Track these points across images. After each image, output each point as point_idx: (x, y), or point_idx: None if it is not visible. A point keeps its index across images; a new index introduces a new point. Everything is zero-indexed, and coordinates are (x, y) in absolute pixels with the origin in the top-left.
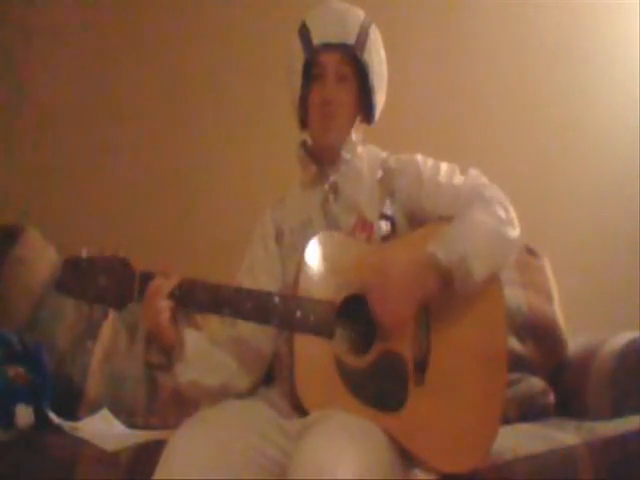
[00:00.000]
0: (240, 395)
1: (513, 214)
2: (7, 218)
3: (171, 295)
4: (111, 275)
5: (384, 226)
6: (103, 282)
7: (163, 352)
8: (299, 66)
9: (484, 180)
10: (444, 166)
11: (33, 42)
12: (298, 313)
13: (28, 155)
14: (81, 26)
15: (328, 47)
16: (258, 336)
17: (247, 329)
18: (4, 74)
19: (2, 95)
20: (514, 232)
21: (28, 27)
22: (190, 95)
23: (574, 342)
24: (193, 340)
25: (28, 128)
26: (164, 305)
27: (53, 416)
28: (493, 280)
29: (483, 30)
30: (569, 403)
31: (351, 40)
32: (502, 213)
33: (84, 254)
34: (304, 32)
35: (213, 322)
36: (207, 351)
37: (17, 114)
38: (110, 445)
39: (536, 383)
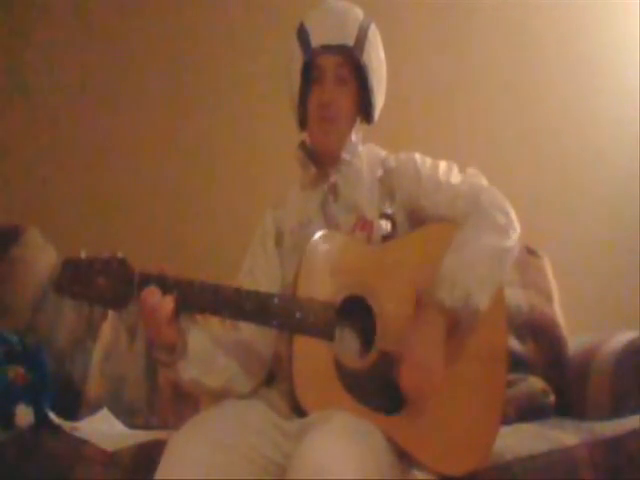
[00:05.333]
0: (240, 395)
1: (512, 215)
2: (7, 218)
3: (170, 295)
4: (110, 276)
5: (384, 225)
6: (102, 283)
7: (166, 349)
8: (298, 68)
9: (482, 180)
10: (442, 165)
11: (34, 43)
12: (298, 314)
13: (28, 155)
14: (83, 28)
15: (327, 49)
16: (260, 340)
17: (249, 333)
18: (5, 74)
19: (3, 96)
20: (514, 236)
21: (29, 29)
22: (190, 96)
23: (574, 342)
24: (197, 339)
25: (28, 128)
26: (161, 303)
27: (53, 416)
28: None
29: (482, 30)
30: (569, 403)
31: (350, 41)
32: (500, 218)
33: (83, 255)
34: (303, 33)
35: (214, 324)
36: (210, 352)
37: (17, 114)
38: (110, 445)
39: (536, 383)
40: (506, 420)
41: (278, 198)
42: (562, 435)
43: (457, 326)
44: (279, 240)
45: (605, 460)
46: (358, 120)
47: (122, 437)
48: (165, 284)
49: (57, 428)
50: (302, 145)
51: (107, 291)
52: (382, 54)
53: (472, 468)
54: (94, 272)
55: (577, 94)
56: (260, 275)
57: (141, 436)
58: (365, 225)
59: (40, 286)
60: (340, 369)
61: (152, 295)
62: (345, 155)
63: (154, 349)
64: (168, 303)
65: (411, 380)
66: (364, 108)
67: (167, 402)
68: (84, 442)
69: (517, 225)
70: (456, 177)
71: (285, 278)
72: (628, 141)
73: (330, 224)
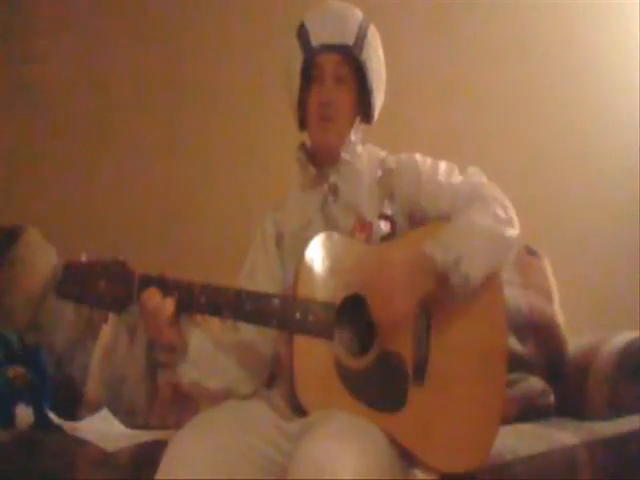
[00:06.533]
0: (241, 397)
1: (512, 213)
2: (7, 218)
3: (171, 297)
4: (110, 279)
5: (383, 226)
6: (103, 286)
7: (167, 351)
8: (298, 67)
9: (483, 179)
10: (443, 165)
11: (34, 43)
12: (297, 314)
13: (28, 156)
14: (82, 30)
15: (327, 48)
16: (260, 341)
17: (250, 334)
18: (5, 75)
19: (2, 96)
20: (513, 231)
21: (30, 29)
22: (189, 98)
23: (574, 342)
24: (198, 341)
25: (28, 129)
26: (161, 305)
27: (53, 416)
28: (493, 280)
29: (482, 30)
30: (569, 403)
31: (350, 41)
32: (501, 212)
33: (83, 258)
34: (303, 33)
35: (214, 325)
36: (211, 354)
37: (17, 115)
38: (110, 445)
39: (536, 383)
40: (506, 420)
41: (278, 200)
42: (562, 435)
43: (448, 292)
44: (279, 241)
45: (605, 460)
46: (357, 120)
47: (122, 437)
48: (165, 286)
49: (57, 428)
50: (302, 146)
51: (108, 294)
52: (381, 54)
53: (472, 467)
54: (95, 276)
55: (577, 93)
56: (261, 276)
57: (141, 436)
58: (364, 226)
59: (40, 286)
60: (340, 369)
61: (153, 297)
62: (344, 155)
63: (155, 351)
64: (169, 305)
65: (381, 306)
66: (363, 108)
67: (167, 402)
68: (84, 442)
69: (516, 222)
70: (457, 177)
71: (286, 279)
72: (628, 141)
73: (330, 225)
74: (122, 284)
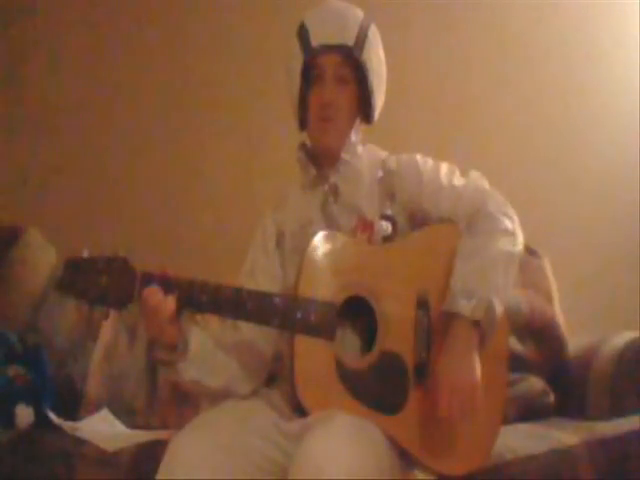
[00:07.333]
0: (241, 396)
1: (516, 218)
2: (7, 218)
3: (172, 294)
4: (112, 275)
5: (385, 227)
6: (104, 282)
7: (167, 349)
8: (298, 67)
9: (485, 184)
10: (444, 167)
11: (36, 42)
12: (299, 314)
13: (28, 155)
14: (83, 29)
15: (327, 48)
16: (261, 340)
17: (250, 333)
18: (6, 74)
19: (3, 95)
20: (520, 240)
21: (32, 30)
22: (190, 97)
23: (574, 342)
24: (198, 339)
25: (28, 128)
26: (163, 303)
27: (53, 416)
28: None
29: (482, 30)
30: (569, 403)
31: (350, 41)
32: (508, 224)
33: (85, 254)
34: (303, 33)
35: (214, 324)
36: (211, 352)
37: (18, 114)
38: (110, 445)
39: (536, 383)
40: (506, 420)
41: (278, 199)
42: (562, 435)
43: (483, 337)
44: (280, 241)
45: (605, 460)
46: (358, 120)
47: (122, 437)
48: (167, 284)
49: (57, 428)
50: (302, 146)
51: (109, 290)
52: (382, 54)
53: (472, 468)
54: (96, 271)
55: (577, 94)
56: (261, 276)
57: (141, 436)
58: (366, 227)
59: (40, 286)
60: (341, 369)
61: (154, 295)
62: (344, 155)
63: (155, 349)
64: (170, 303)
65: (452, 407)
66: (364, 108)
67: (167, 402)
68: (84, 442)
69: (519, 228)
70: (459, 179)
71: (286, 279)
72: (628, 141)
73: (331, 225)
74: (124, 280)
